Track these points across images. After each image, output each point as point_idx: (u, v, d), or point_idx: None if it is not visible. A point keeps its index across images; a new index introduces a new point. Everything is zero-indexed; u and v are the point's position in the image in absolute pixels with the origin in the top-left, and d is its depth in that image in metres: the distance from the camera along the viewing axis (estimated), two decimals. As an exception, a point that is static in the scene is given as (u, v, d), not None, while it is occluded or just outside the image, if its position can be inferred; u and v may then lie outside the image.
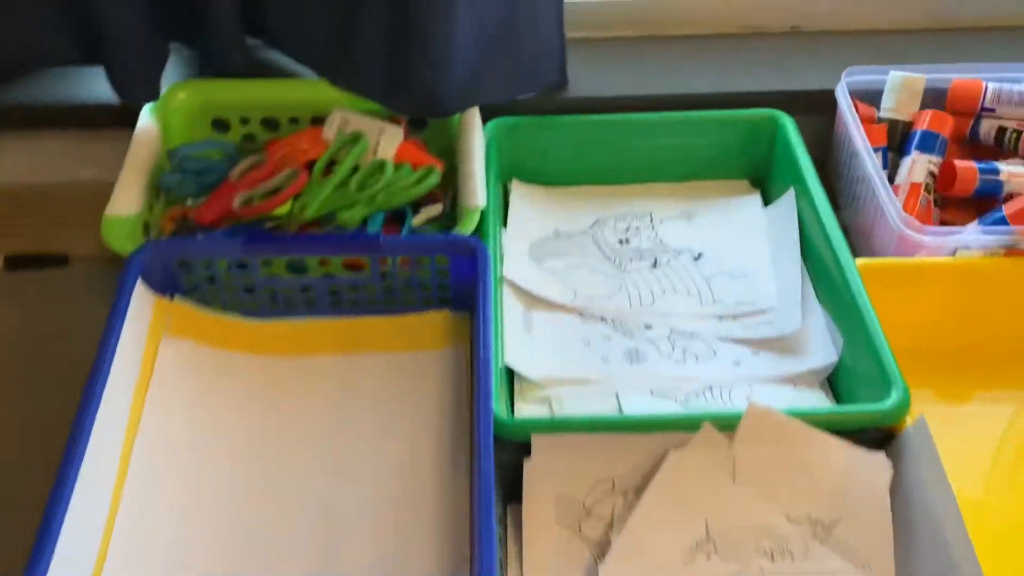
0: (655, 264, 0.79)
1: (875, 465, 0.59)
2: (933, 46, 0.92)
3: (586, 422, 0.60)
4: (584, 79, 0.88)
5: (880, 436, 0.61)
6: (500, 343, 0.69)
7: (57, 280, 0.83)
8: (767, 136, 0.85)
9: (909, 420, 0.60)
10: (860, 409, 0.60)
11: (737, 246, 0.80)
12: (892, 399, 0.60)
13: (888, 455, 0.60)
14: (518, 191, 0.85)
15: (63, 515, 0.52)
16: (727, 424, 0.60)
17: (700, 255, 0.80)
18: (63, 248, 0.84)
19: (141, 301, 0.65)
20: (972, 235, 0.71)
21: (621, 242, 0.82)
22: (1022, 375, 0.72)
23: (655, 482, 0.59)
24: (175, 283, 0.69)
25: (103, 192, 0.73)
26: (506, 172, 0.86)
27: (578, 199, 0.86)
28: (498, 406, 0.61)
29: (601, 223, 0.83)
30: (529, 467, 0.60)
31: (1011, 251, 0.71)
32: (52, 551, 0.51)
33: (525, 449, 0.61)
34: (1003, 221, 0.72)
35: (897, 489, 0.58)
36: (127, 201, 0.72)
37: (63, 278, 0.83)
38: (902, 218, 0.71)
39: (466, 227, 0.71)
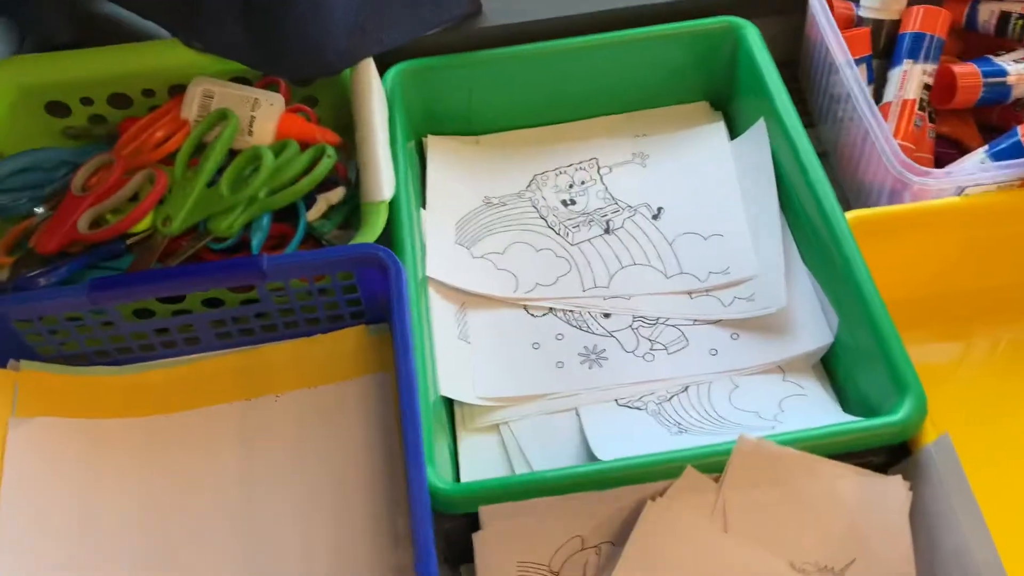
0: (607, 229, 0.66)
1: (892, 492, 0.49)
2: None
3: (544, 483, 0.49)
4: (501, 1, 0.72)
5: (893, 448, 0.51)
6: (431, 365, 0.57)
7: None
8: (727, 49, 0.70)
9: (929, 431, 0.50)
10: (868, 426, 0.49)
11: (703, 195, 0.67)
12: (906, 409, 0.49)
13: (905, 473, 0.50)
14: (436, 149, 0.71)
15: None
16: (712, 464, 0.49)
17: (660, 210, 0.67)
18: None
19: (-28, 382, 0.52)
20: (982, 171, 0.58)
21: (565, 203, 0.68)
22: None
23: (632, 541, 0.49)
24: (17, 342, 0.55)
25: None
26: (418, 126, 0.71)
27: (510, 150, 0.72)
28: (433, 468, 0.49)
29: (540, 181, 0.70)
30: (480, 539, 0.49)
31: (1029, 181, 0.59)
32: None
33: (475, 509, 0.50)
34: (1018, 148, 0.59)
35: (917, 516, 0.49)
36: (-58, 239, 0.58)
37: None
38: (899, 160, 0.58)
39: (370, 230, 0.57)
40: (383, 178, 0.59)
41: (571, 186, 0.69)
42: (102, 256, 0.60)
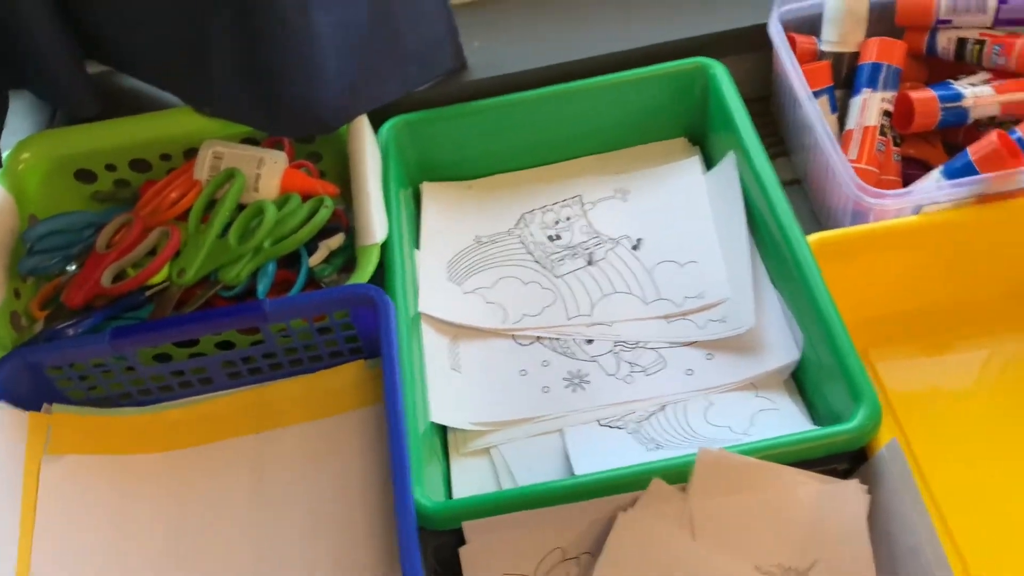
0: (590, 261, 0.71)
1: (849, 496, 0.52)
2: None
3: (522, 498, 0.53)
4: (485, 56, 0.77)
5: (856, 454, 0.54)
6: (421, 396, 0.61)
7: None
8: (698, 88, 0.74)
9: (884, 435, 0.53)
10: (824, 434, 0.53)
11: (679, 226, 0.71)
12: (860, 417, 0.52)
13: (863, 478, 0.53)
14: (430, 195, 0.76)
15: None
16: (680, 475, 0.52)
17: (639, 242, 0.71)
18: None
19: (8, 424, 0.58)
20: (935, 191, 0.62)
21: (551, 239, 0.73)
22: (1000, 329, 0.64)
23: (606, 550, 0.52)
24: (49, 388, 0.61)
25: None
26: (414, 174, 0.76)
27: (500, 191, 0.77)
28: (421, 488, 0.54)
29: (527, 219, 0.74)
30: (465, 553, 0.53)
31: (983, 198, 0.62)
32: None
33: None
34: (970, 168, 0.62)
35: (876, 518, 0.52)
36: (-18, 297, 0.64)
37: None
38: (855, 183, 0.62)
39: (363, 271, 0.62)
40: (374, 224, 0.64)
41: (557, 222, 0.74)
42: (124, 307, 0.66)
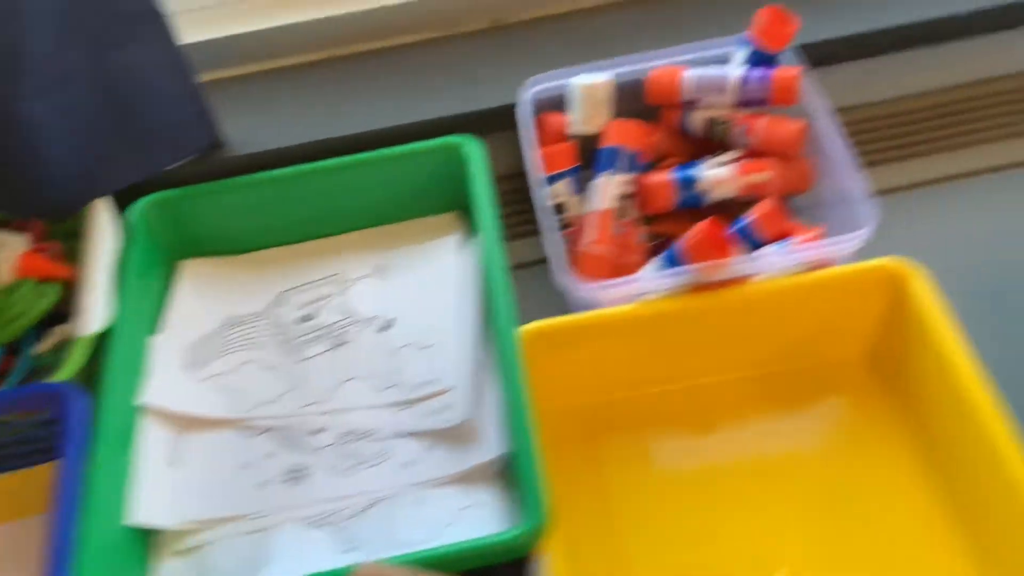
0: (338, 343, 0.70)
1: (507, 608, 0.51)
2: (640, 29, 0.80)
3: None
4: (244, 132, 0.77)
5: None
6: (117, 497, 0.60)
7: None
8: (457, 165, 0.74)
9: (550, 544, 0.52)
10: (486, 543, 0.52)
11: (428, 307, 0.70)
12: (522, 526, 0.52)
13: (531, 587, 0.52)
14: (187, 273, 0.74)
15: None
16: (340, 586, 0.52)
17: (391, 322, 0.70)
18: None
19: None
20: (649, 280, 0.61)
21: (304, 319, 0.72)
22: (715, 416, 0.64)
23: (265, 665, 0.51)
24: None
25: None
26: (171, 253, 0.75)
27: (260, 268, 0.76)
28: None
29: (284, 298, 0.73)
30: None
31: (697, 287, 0.62)
32: None
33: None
34: (681, 256, 0.62)
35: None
36: None
37: None
38: (568, 273, 0.61)
39: (69, 367, 0.61)
40: (89, 314, 0.63)
41: (313, 301, 0.73)
42: None
